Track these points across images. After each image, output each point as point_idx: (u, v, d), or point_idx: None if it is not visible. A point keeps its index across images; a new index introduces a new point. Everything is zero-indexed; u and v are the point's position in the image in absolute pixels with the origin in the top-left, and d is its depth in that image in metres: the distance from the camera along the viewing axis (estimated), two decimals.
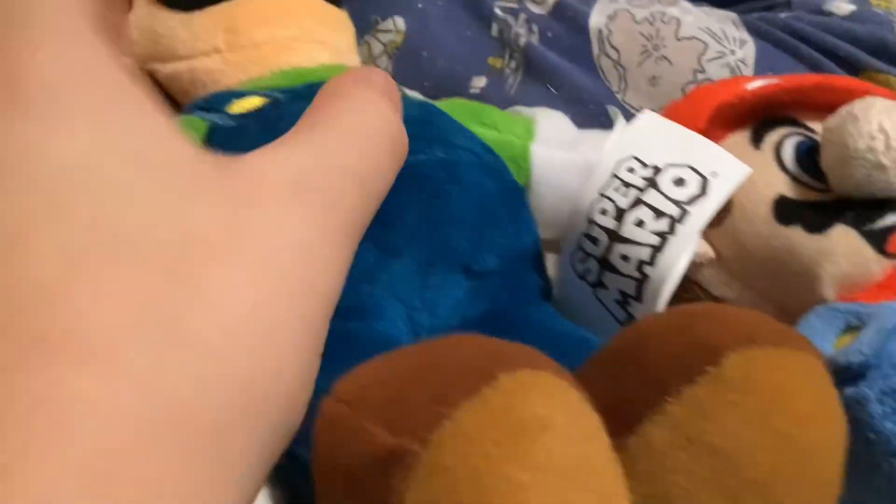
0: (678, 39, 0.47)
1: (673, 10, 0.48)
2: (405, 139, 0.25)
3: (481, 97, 0.48)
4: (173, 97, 0.39)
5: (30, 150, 0.18)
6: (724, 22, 0.49)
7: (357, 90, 0.24)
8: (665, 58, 0.47)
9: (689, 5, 0.49)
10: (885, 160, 0.32)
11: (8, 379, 0.16)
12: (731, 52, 0.47)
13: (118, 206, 0.18)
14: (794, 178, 0.35)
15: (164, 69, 0.39)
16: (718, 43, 0.47)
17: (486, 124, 0.38)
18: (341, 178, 0.22)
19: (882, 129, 0.31)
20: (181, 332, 0.17)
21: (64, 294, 0.17)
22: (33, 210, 0.17)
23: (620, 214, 0.32)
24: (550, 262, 0.36)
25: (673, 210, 0.31)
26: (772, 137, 0.36)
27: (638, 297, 0.32)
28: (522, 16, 0.50)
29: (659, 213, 0.32)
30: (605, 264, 0.33)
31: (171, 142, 0.20)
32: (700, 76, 0.47)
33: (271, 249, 0.19)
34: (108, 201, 0.18)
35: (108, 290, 0.17)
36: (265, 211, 0.20)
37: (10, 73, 0.18)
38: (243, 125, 0.33)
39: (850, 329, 0.29)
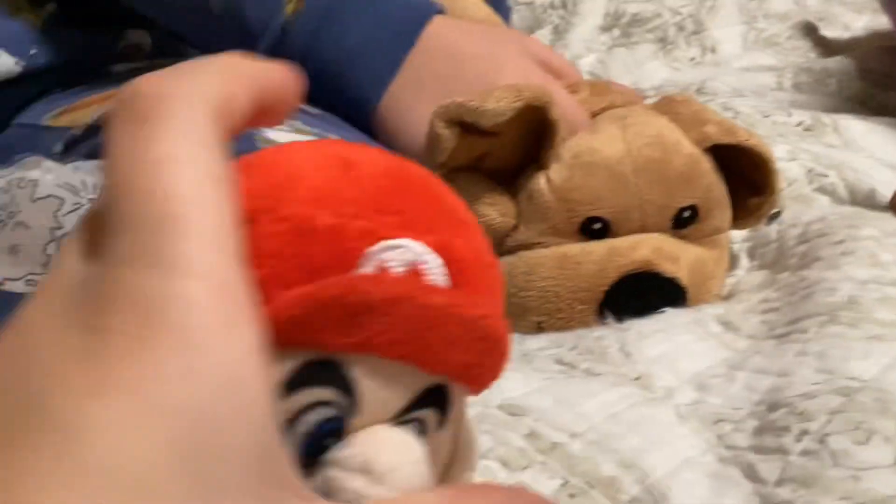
0: (33, 201, 0.46)
1: (33, 174, 0.47)
2: None
3: None
4: None
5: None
6: (90, 173, 0.48)
7: None
8: (22, 223, 0.45)
9: (52, 164, 0.48)
10: None
11: None
12: (88, 201, 0.46)
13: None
14: None
15: None
16: (75, 195, 0.46)
17: None
18: None
19: None
20: None
21: None
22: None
23: None
24: None
25: None
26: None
27: None
28: None
29: None
30: None
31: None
32: (58, 233, 0.45)
33: None
34: None
35: None
36: None
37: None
38: None
39: None
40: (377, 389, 0.22)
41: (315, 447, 0.22)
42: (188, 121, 0.20)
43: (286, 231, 0.22)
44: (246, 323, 0.19)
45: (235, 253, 0.19)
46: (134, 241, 0.19)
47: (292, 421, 0.22)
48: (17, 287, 0.44)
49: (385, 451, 0.22)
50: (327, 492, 0.22)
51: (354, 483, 0.22)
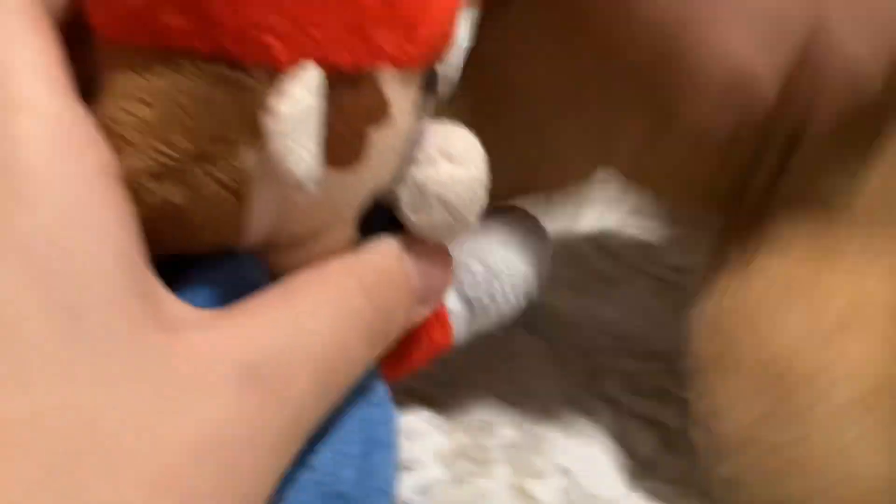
0: None
1: None
2: (391, 330, 0.24)
3: None
4: None
5: None
6: None
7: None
8: None
9: None
10: None
11: None
12: None
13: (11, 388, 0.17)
14: None
15: None
16: None
17: None
18: (300, 365, 0.20)
19: None
20: None
21: None
22: None
23: None
24: None
25: None
26: None
27: None
28: None
29: None
30: None
31: (114, 300, 0.18)
32: None
33: (185, 443, 0.18)
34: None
35: None
36: (195, 399, 0.18)
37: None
38: None
39: None
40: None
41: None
42: None
43: None
44: (83, 149, 0.19)
45: (65, 87, 0.19)
46: None
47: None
48: None
49: (452, 137, 0.24)
50: (421, 194, 0.24)
51: (442, 168, 0.24)
